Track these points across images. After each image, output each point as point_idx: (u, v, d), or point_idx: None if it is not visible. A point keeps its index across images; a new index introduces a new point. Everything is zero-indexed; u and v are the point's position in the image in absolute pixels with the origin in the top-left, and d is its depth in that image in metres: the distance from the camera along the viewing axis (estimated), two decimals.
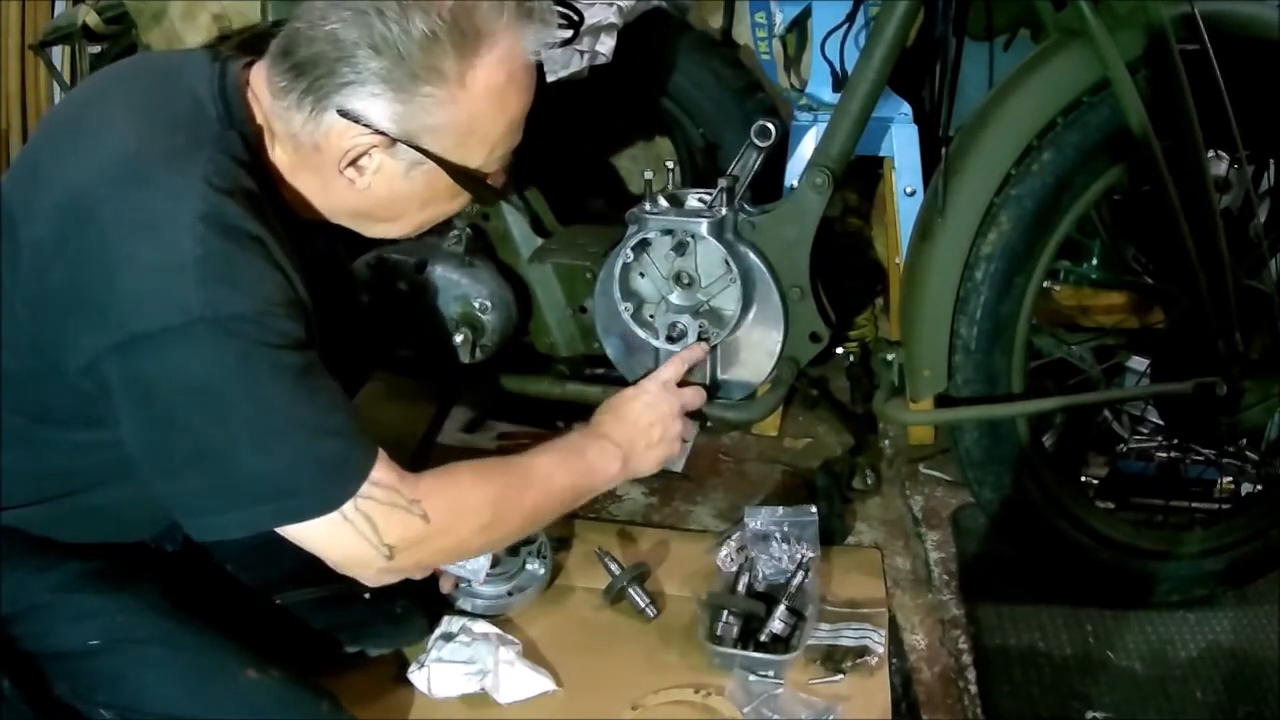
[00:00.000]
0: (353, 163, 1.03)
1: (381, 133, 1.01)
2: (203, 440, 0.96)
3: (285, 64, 1.01)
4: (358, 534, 1.02)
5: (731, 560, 1.58)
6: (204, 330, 0.93)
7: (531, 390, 1.79)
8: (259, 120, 1.05)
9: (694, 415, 1.46)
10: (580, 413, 2.02)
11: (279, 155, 1.07)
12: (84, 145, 0.99)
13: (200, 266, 0.92)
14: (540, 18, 1.05)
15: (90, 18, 1.81)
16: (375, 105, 1.00)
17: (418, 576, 1.17)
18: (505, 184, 1.16)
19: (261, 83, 1.05)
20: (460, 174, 1.07)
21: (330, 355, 1.05)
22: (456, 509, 1.09)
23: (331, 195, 1.08)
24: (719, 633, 1.43)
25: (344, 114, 1.00)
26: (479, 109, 1.03)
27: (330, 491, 1.01)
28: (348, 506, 1.01)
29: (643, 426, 1.33)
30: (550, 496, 1.19)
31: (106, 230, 0.93)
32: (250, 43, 1.12)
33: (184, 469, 0.98)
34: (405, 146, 1.02)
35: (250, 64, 1.08)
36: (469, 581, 1.44)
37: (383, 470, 1.03)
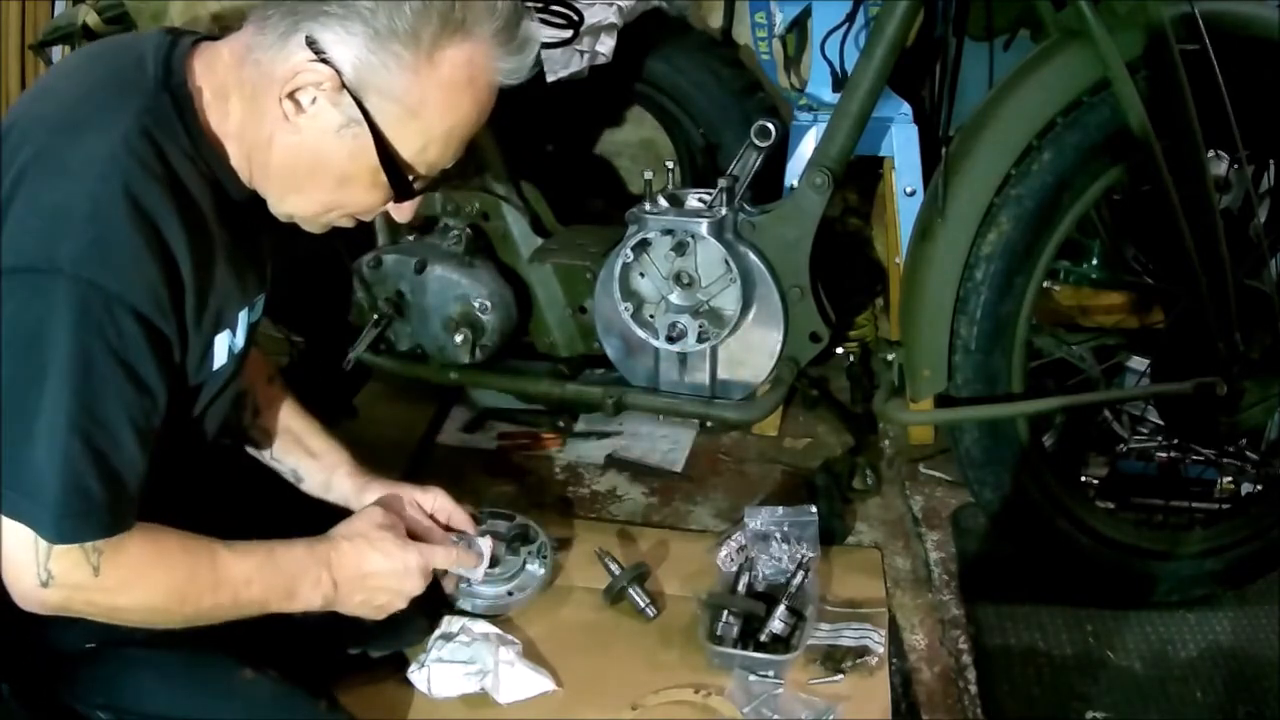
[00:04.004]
0: (292, 95, 1.02)
1: (336, 72, 1.00)
2: (12, 395, 0.96)
3: None
4: (30, 544, 0.99)
5: (731, 560, 1.58)
6: (60, 284, 0.94)
7: (531, 391, 1.79)
8: (197, 84, 1.06)
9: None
10: (580, 414, 2.04)
11: (224, 113, 1.07)
12: (41, 103, 1.05)
13: (85, 225, 0.95)
14: (520, 50, 1.05)
15: (90, 18, 1.81)
16: (345, 44, 0.99)
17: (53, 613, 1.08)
18: (415, 208, 1.14)
19: (239, 41, 1.05)
20: (387, 154, 1.05)
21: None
22: (129, 583, 1.05)
23: (260, 126, 1.06)
24: (719, 633, 1.43)
25: (310, 43, 0.99)
26: (432, 95, 1.03)
27: (64, 526, 0.98)
28: None
29: (369, 583, 1.25)
30: (236, 604, 1.13)
31: (26, 168, 0.97)
32: None
33: None
34: (350, 99, 1.01)
35: (209, 39, 1.10)
36: (469, 582, 1.44)
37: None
